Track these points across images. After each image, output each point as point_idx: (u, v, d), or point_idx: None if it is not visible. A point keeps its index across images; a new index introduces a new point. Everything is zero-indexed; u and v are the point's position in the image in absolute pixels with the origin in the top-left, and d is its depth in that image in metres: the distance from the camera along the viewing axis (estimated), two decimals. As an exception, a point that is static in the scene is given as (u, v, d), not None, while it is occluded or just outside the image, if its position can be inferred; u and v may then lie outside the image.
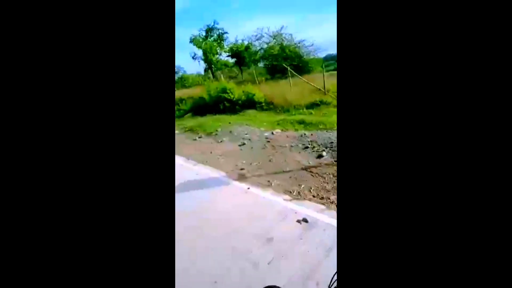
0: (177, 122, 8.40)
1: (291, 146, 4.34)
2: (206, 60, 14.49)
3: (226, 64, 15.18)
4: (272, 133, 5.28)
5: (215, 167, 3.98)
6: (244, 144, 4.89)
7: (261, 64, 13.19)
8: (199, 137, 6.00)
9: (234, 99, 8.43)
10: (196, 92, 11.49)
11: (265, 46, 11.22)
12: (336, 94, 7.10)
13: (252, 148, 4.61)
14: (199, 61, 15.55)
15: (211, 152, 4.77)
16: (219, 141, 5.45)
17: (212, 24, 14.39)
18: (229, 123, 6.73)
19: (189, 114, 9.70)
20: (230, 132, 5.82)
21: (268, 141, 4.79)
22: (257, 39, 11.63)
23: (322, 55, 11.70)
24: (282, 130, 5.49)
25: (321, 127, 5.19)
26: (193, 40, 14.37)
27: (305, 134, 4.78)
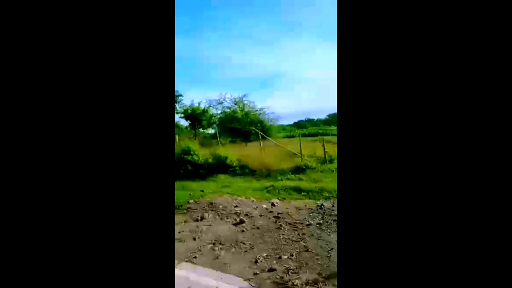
0: None
1: (319, 223, 3.24)
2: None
3: (177, 126, 14.02)
4: (273, 205, 4.10)
5: (215, 268, 2.36)
6: (242, 222, 3.46)
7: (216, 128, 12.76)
8: (162, 214, 4.13)
9: (199, 162, 7.06)
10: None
11: (227, 110, 11.10)
12: (311, 158, 6.87)
13: (258, 228, 3.24)
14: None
15: (195, 239, 3.08)
16: (198, 218, 3.80)
17: (166, 85, 13.83)
18: (202, 191, 5.17)
19: None
20: (211, 204, 4.28)
21: (277, 217, 3.55)
22: (219, 103, 11.51)
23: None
24: (280, 199, 4.41)
25: (326, 194, 4.42)
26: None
27: (323, 205, 3.85)
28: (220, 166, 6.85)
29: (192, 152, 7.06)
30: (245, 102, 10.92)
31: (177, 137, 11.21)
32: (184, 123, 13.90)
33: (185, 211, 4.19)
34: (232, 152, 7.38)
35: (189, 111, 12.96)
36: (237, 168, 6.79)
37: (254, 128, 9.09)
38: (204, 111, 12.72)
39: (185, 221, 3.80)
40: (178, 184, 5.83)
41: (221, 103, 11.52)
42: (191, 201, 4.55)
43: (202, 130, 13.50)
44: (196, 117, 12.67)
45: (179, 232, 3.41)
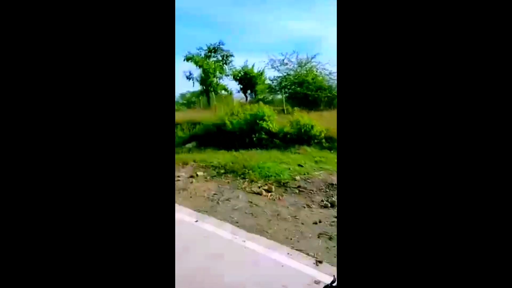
0: (183, 156, 5.43)
1: None
2: (205, 82, 12.12)
3: (225, 89, 13.03)
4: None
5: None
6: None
7: (273, 92, 11.38)
8: (268, 192, 3.22)
9: (273, 130, 6.01)
10: (197, 115, 8.73)
11: (291, 73, 9.60)
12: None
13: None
14: (193, 82, 12.93)
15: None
16: (326, 204, 2.81)
17: (217, 44, 12.62)
18: (300, 166, 4.16)
19: (190, 145, 6.77)
20: (332, 186, 3.25)
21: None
22: (283, 64, 10.00)
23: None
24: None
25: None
26: (191, 58, 12.12)
27: None
28: (301, 137, 5.74)
29: (266, 118, 6.00)
30: (313, 63, 9.27)
31: (234, 100, 10.26)
32: (232, 86, 12.80)
33: (297, 191, 3.23)
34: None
35: (241, 74, 11.71)
36: (323, 140, 5.61)
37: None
38: (259, 74, 11.35)
39: (307, 206, 2.83)
40: (263, 155, 4.89)
41: (285, 64, 9.95)
42: (297, 177, 3.58)
43: (253, 96, 12.32)
44: (250, 80, 11.41)
45: (316, 223, 2.45)
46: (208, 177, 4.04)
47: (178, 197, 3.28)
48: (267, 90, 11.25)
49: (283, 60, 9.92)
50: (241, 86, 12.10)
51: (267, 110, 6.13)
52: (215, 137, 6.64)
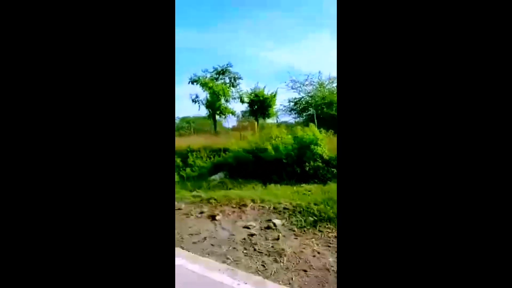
0: (224, 193, 4.19)
1: None
2: (213, 105, 11.13)
3: (232, 113, 12.09)
4: None
5: None
6: None
7: (288, 115, 10.64)
8: None
9: (326, 156, 5.04)
10: (212, 141, 7.56)
11: (312, 93, 9.04)
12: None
13: None
14: (199, 106, 11.85)
15: None
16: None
17: (226, 65, 11.94)
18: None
19: (218, 177, 5.55)
20: None
21: None
22: (303, 85, 9.44)
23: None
24: None
25: None
26: (196, 81, 11.22)
27: None
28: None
29: (320, 143, 5.04)
30: (336, 83, 8.85)
31: (257, 124, 9.28)
32: (237, 108, 11.95)
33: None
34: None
35: (252, 96, 10.94)
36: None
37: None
38: (273, 96, 10.66)
39: None
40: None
41: (305, 85, 9.43)
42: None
43: (263, 119, 11.47)
44: (263, 103, 10.63)
45: None
46: (295, 228, 2.82)
47: (283, 272, 2.01)
48: (284, 112, 10.53)
49: (304, 81, 9.44)
50: (251, 109, 11.28)
51: (317, 132, 5.19)
52: (250, 166, 5.47)
